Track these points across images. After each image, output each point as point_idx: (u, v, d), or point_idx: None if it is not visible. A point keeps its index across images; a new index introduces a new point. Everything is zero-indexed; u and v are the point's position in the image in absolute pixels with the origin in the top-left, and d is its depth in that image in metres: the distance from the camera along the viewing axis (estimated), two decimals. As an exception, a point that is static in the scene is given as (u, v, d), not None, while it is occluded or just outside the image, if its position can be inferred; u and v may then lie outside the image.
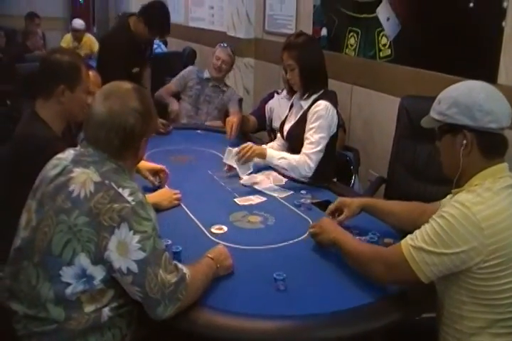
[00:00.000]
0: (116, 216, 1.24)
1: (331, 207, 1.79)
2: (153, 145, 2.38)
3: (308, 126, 2.22)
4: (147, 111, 1.38)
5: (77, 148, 1.42)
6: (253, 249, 1.67)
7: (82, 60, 2.00)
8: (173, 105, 3.46)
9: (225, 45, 3.50)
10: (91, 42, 6.41)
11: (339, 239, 1.53)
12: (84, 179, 1.29)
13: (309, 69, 2.26)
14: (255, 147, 2.24)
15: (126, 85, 1.40)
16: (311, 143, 2.18)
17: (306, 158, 2.17)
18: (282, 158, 2.21)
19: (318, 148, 2.18)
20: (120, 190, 1.27)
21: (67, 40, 6.47)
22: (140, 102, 1.36)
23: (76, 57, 1.92)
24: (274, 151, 2.26)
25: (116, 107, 1.33)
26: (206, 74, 3.48)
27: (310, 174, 2.19)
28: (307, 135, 2.21)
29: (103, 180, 1.29)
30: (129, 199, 1.26)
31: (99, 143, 1.34)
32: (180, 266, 1.32)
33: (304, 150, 2.19)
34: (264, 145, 2.44)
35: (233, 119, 2.85)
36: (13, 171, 1.78)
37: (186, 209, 1.95)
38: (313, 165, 2.16)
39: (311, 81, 2.28)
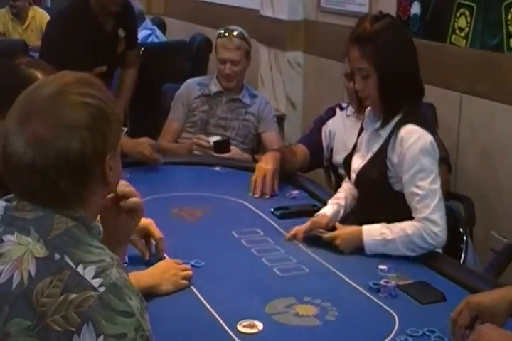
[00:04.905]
0: (75, 314, 1.22)
1: (456, 316, 1.69)
2: (146, 190, 2.43)
3: (407, 173, 2.26)
4: (98, 117, 1.34)
5: (12, 195, 1.39)
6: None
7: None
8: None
9: (226, 32, 3.48)
10: (41, 19, 6.58)
11: None
12: (20, 254, 1.29)
13: (394, 76, 2.29)
14: (344, 233, 2.28)
15: (48, 88, 1.35)
16: (423, 198, 2.23)
17: (427, 224, 2.21)
18: (390, 241, 2.22)
19: (436, 200, 2.23)
20: (80, 269, 1.26)
21: (1, 19, 6.72)
22: (81, 109, 1.32)
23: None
24: (371, 230, 2.26)
25: (44, 132, 1.29)
26: (215, 87, 3.50)
27: (443, 239, 2.24)
28: (411, 189, 2.25)
29: (51, 253, 1.28)
30: (95, 283, 1.25)
31: (36, 195, 1.33)
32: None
33: (415, 214, 2.24)
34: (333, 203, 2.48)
35: (265, 167, 2.82)
36: None
37: (199, 293, 1.99)
38: (439, 228, 2.21)
39: (397, 95, 2.31)
